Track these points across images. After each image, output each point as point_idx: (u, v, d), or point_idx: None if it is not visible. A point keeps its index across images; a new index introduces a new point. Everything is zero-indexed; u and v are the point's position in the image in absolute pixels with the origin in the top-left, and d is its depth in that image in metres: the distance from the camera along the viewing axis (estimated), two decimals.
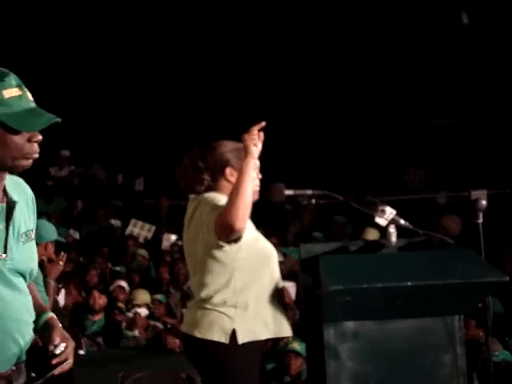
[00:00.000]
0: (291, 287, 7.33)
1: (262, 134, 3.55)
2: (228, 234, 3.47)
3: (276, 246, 8.83)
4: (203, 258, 3.58)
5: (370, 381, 3.48)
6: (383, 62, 13.48)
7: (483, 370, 5.44)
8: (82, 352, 6.44)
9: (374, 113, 13.47)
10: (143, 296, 7.62)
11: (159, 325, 7.34)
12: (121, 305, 7.42)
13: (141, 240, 9.89)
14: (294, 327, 6.70)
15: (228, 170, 3.66)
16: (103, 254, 9.32)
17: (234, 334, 3.53)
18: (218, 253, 3.54)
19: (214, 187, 3.67)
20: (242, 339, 3.52)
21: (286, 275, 7.98)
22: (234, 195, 3.44)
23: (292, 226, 10.70)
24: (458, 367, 3.53)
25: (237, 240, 3.52)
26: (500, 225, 10.14)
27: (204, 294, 3.58)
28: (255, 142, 3.51)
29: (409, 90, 13.43)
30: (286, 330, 3.68)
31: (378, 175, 12.42)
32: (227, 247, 3.53)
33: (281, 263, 8.11)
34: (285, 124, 12.07)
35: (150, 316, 7.51)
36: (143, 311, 7.41)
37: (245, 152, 3.50)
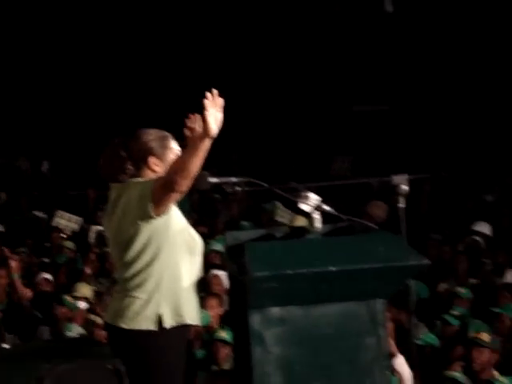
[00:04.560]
0: (224, 276, 7.34)
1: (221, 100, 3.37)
2: (167, 191, 3.41)
3: (205, 235, 8.86)
4: (130, 235, 3.54)
5: (295, 366, 3.51)
6: (308, 50, 13.55)
7: (409, 353, 5.53)
8: (5, 346, 6.34)
9: (300, 100, 13.54)
10: (84, 289, 7.50)
11: (99, 319, 7.23)
12: (66, 297, 7.27)
13: (68, 232, 9.76)
14: (224, 316, 6.77)
15: (151, 159, 3.63)
16: (27, 246, 9.17)
17: (160, 320, 3.52)
18: (145, 227, 3.50)
19: (137, 176, 3.64)
20: (169, 323, 3.52)
21: (220, 264, 7.98)
22: (185, 158, 3.37)
23: (221, 216, 10.70)
24: (382, 350, 3.59)
25: (165, 212, 3.48)
26: (426, 210, 10.31)
27: (128, 273, 3.55)
28: (216, 117, 3.33)
29: (334, 77, 13.53)
30: (198, 319, 3.69)
31: (305, 163, 12.50)
32: (155, 222, 3.50)
33: (216, 252, 8.16)
34: None
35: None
36: (82, 304, 7.30)
37: (204, 130, 3.33)
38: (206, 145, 3.38)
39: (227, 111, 3.45)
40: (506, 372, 5.70)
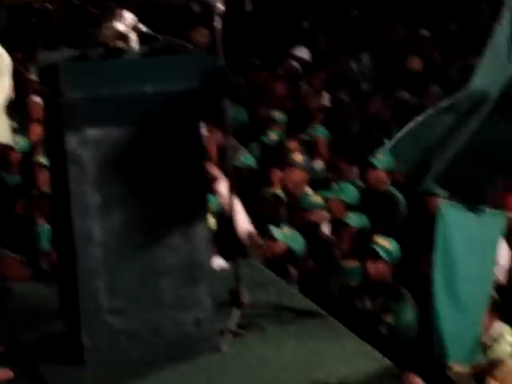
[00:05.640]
0: None
1: None
2: None
3: (20, 60, 8.48)
4: None
5: (111, 185, 3.53)
6: None
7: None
8: None
9: None
10: None
11: None
12: None
13: None
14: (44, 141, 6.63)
15: None
16: None
17: None
18: None
19: None
20: None
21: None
22: None
23: (39, 41, 10.24)
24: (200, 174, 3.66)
25: None
26: (245, 34, 10.32)
27: None
28: None
29: None
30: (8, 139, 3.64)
31: None
32: None
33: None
34: None
35: None
36: None
37: None
38: None
39: None
40: (318, 187, 6.04)
